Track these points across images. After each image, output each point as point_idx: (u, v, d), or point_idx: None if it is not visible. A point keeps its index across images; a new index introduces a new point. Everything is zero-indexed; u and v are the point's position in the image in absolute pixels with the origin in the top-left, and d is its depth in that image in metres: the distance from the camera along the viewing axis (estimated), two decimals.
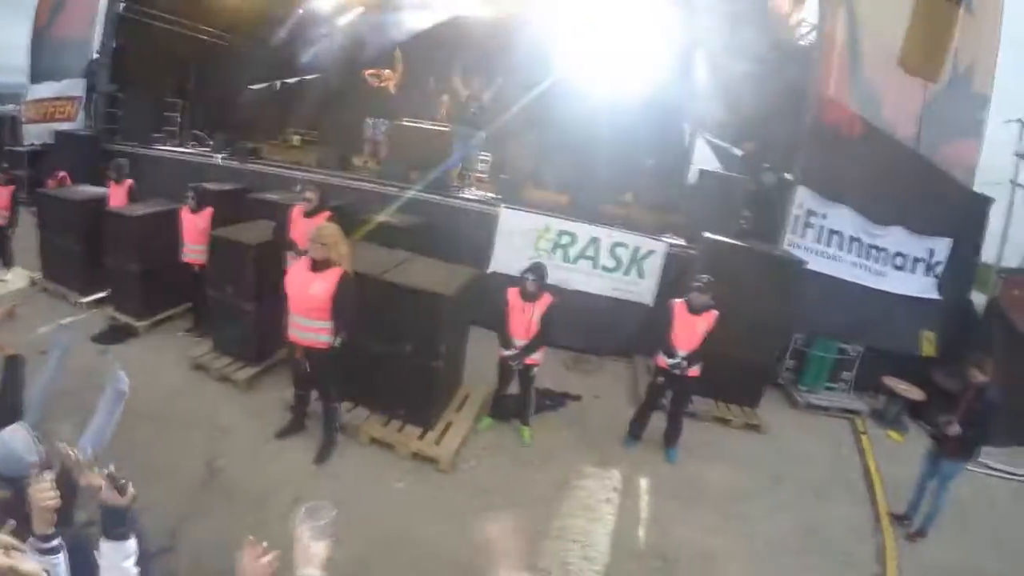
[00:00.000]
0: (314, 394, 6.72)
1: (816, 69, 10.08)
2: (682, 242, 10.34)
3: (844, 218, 10.31)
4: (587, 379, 9.48)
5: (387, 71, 14.32)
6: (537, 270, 7.06)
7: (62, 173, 11.48)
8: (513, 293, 7.10)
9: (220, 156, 12.87)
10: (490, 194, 11.93)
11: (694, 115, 14.67)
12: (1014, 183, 12.86)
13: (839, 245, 10.32)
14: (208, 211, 8.56)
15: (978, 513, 7.63)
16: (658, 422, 7.67)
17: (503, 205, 10.65)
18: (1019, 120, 12.78)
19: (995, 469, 8.65)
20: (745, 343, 8.35)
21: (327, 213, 7.91)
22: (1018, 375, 9.14)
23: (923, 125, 10.60)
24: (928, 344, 10.37)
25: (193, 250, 8.59)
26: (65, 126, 14.25)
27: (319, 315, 5.99)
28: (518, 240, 10.34)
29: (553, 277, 8.11)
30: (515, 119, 13.10)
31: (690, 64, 13.58)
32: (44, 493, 2.72)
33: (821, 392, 9.78)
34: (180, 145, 13.97)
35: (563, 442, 7.63)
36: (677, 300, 7.32)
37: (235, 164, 12.46)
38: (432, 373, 6.81)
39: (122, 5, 13.97)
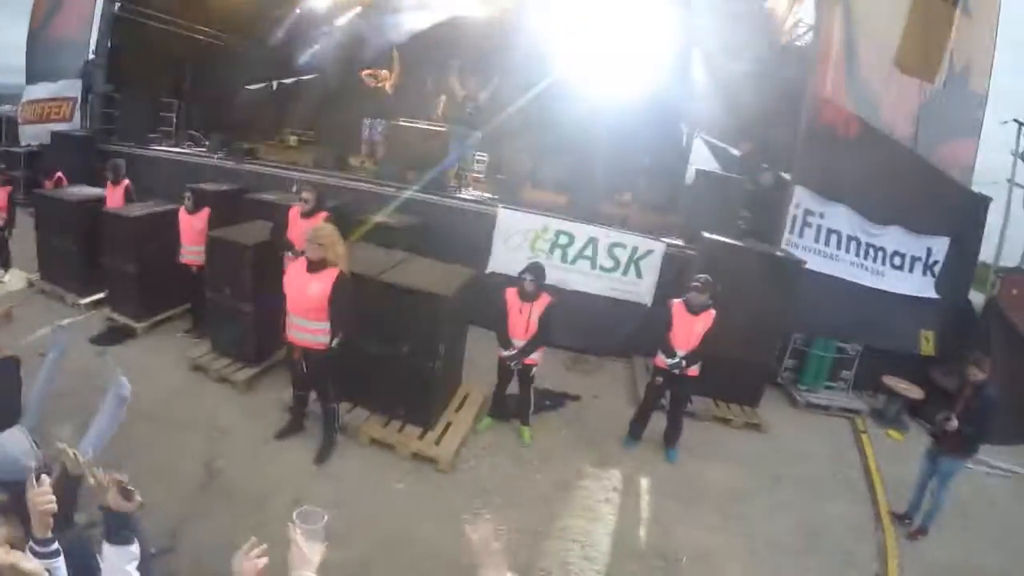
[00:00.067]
0: (313, 395, 6.69)
1: (813, 69, 10.08)
2: (680, 242, 10.33)
3: (842, 217, 10.32)
4: (586, 379, 9.48)
5: (384, 71, 14.30)
6: (535, 270, 7.05)
7: (59, 174, 11.45)
8: (511, 293, 7.10)
9: (217, 156, 12.85)
10: (488, 194, 11.94)
11: (692, 115, 14.69)
12: (1012, 182, 12.87)
13: (837, 244, 10.33)
14: (205, 212, 8.55)
15: (979, 511, 7.63)
16: (658, 422, 7.67)
17: (501, 205, 10.64)
18: (1016, 120, 12.79)
19: (995, 467, 8.66)
20: (744, 343, 8.36)
21: (324, 214, 7.90)
22: (1017, 374, 9.18)
23: (920, 125, 10.62)
24: (927, 343, 10.38)
25: (191, 251, 8.57)
26: (61, 127, 14.20)
27: (316, 316, 5.99)
28: (516, 240, 10.33)
29: (551, 277, 8.10)
30: (513, 119, 13.08)
31: (688, 64, 13.59)
32: (42, 497, 2.71)
33: (821, 391, 9.78)
34: (176, 145, 13.93)
35: (563, 442, 7.63)
36: (675, 300, 7.32)
37: (232, 164, 12.43)
38: (431, 373, 6.80)
39: (118, 5, 13.92)
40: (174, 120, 15.28)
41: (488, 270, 10.14)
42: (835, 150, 10.02)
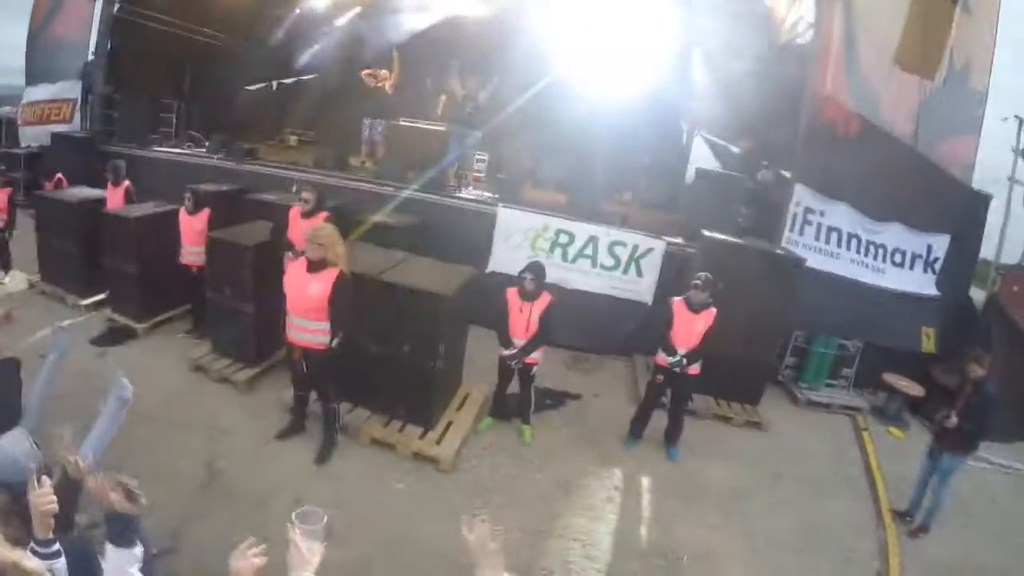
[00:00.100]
0: (314, 395, 6.69)
1: (813, 67, 10.07)
2: (680, 240, 10.32)
3: (842, 215, 10.33)
4: (587, 378, 9.47)
5: (384, 71, 14.30)
6: (535, 269, 7.05)
7: (59, 175, 11.46)
8: (512, 292, 7.09)
9: (217, 157, 12.85)
10: (488, 193, 11.94)
11: (692, 114, 14.69)
12: (1012, 180, 12.87)
13: (838, 242, 10.33)
14: (205, 212, 8.55)
15: (980, 508, 7.64)
16: (659, 420, 7.67)
17: (501, 204, 10.64)
18: (1017, 117, 12.79)
19: (996, 464, 8.66)
20: (745, 341, 8.38)
21: (325, 214, 7.90)
22: (1017, 371, 9.18)
23: (920, 122, 10.63)
24: (928, 340, 10.38)
25: (191, 252, 8.58)
26: (61, 128, 14.21)
27: (316, 316, 5.99)
28: (516, 239, 10.33)
29: (552, 276, 8.10)
30: (513, 118, 13.09)
31: (688, 63, 13.59)
32: (43, 498, 2.72)
33: (822, 389, 9.77)
34: (176, 146, 13.93)
35: (563, 441, 7.63)
36: (676, 298, 7.32)
37: (232, 165, 12.42)
38: (432, 373, 6.80)
39: (117, 6, 13.90)
40: (174, 121, 15.28)
41: (488, 269, 10.14)
42: (835, 148, 10.02)
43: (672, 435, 7.58)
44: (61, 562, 2.75)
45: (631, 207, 12.38)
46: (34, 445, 4.52)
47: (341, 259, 6.07)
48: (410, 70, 14.85)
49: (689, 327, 7.05)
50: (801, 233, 10.18)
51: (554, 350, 8.95)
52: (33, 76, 15.19)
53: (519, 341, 7.11)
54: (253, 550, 2.49)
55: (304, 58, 16.73)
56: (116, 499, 2.82)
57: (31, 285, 9.89)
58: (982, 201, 11.06)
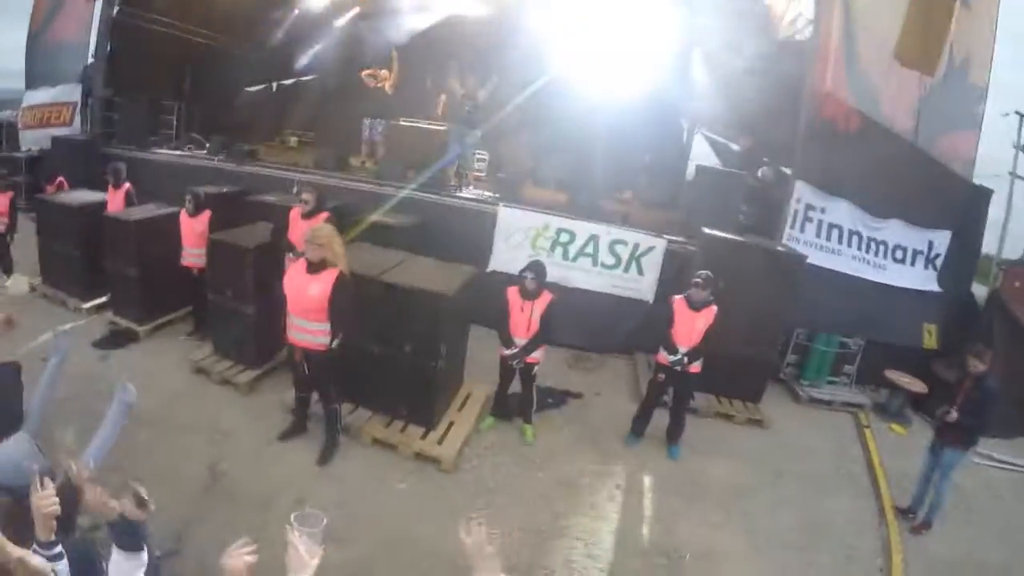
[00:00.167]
0: (315, 396, 6.70)
1: (813, 64, 10.06)
2: (681, 238, 10.31)
3: (843, 212, 10.32)
4: (588, 377, 9.47)
5: (384, 71, 14.27)
6: (536, 268, 7.04)
7: (60, 179, 11.47)
8: (513, 292, 7.10)
9: (217, 159, 12.85)
10: (488, 193, 11.93)
11: (692, 111, 14.69)
12: (1013, 175, 12.87)
13: (839, 239, 10.33)
14: (206, 214, 8.56)
15: (983, 505, 7.64)
16: (661, 419, 7.66)
17: (502, 204, 10.64)
18: (1017, 112, 12.78)
19: (1000, 461, 8.66)
20: (747, 338, 8.40)
21: (325, 214, 7.91)
22: (1019, 366, 9.19)
23: (920, 118, 10.62)
24: (929, 337, 10.37)
25: (192, 254, 8.60)
26: (62, 131, 14.21)
27: (317, 316, 5.99)
28: (517, 238, 10.33)
29: (553, 275, 8.10)
30: (513, 117, 13.10)
31: (687, 61, 13.59)
32: (45, 500, 2.73)
33: (823, 386, 9.76)
34: (177, 148, 13.92)
35: (565, 440, 7.64)
36: (677, 296, 7.32)
37: (232, 167, 12.42)
38: (433, 373, 6.81)
39: (116, 9, 13.90)
40: (174, 123, 15.25)
41: (489, 269, 10.13)
42: (835, 144, 10.02)
43: (674, 433, 7.58)
44: (63, 564, 2.76)
45: (632, 205, 12.38)
46: (37, 449, 4.54)
47: (340, 259, 6.06)
48: (410, 70, 14.81)
49: (690, 325, 7.05)
50: (802, 230, 10.18)
51: (555, 349, 8.96)
52: (33, 79, 15.20)
53: (520, 340, 7.11)
54: (245, 549, 2.51)
55: (304, 59, 16.72)
56: (126, 505, 2.84)
57: (33, 289, 9.89)
58: (983, 196, 11.04)
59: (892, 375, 9.58)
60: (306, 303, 5.95)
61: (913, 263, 10.65)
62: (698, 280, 7.02)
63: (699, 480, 7.14)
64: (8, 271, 10.18)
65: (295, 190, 9.41)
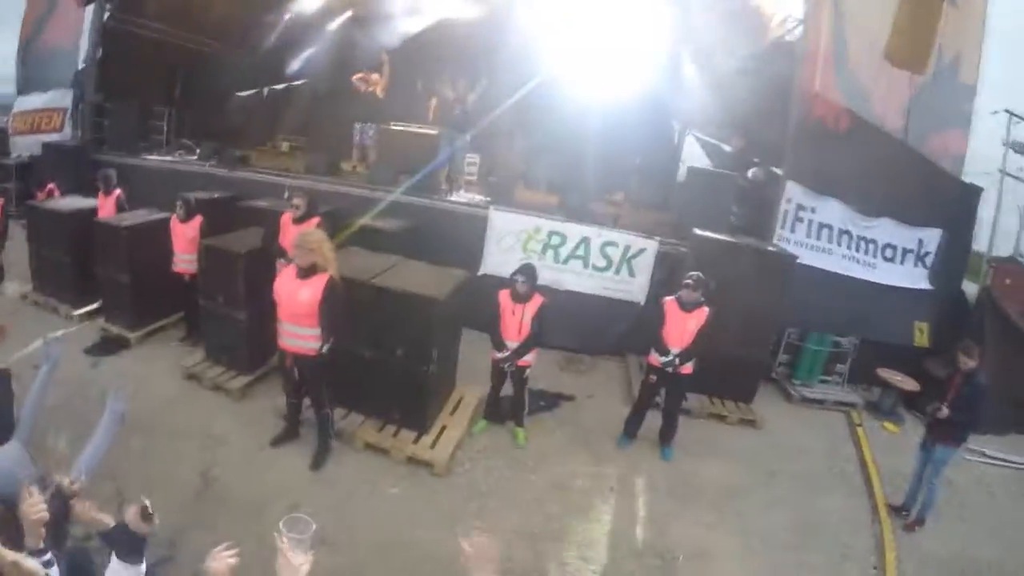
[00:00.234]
0: (307, 401, 6.69)
1: (802, 64, 10.09)
2: (672, 240, 10.32)
3: (834, 211, 10.34)
4: (580, 379, 9.48)
5: (375, 75, 14.23)
6: (527, 271, 7.06)
7: (51, 185, 11.43)
8: (504, 295, 7.11)
9: (208, 164, 12.83)
10: (480, 196, 11.93)
11: (683, 112, 14.70)
12: (1003, 172, 12.90)
13: (829, 238, 10.35)
14: (197, 220, 8.53)
15: (976, 501, 7.68)
16: (653, 420, 7.67)
17: (493, 207, 10.63)
18: (1007, 110, 12.82)
19: (992, 457, 8.69)
20: (739, 339, 8.41)
21: (316, 219, 7.90)
22: (1010, 363, 9.23)
23: (911, 117, 10.65)
24: (921, 335, 10.40)
25: (184, 259, 8.58)
26: (52, 137, 14.16)
27: (308, 322, 5.98)
28: (508, 242, 10.33)
29: (544, 278, 8.13)
30: (503, 120, 13.08)
31: (678, 62, 13.59)
32: (33, 508, 2.74)
33: (816, 385, 9.80)
34: (168, 154, 13.90)
35: (558, 443, 7.65)
36: (668, 298, 7.33)
37: (223, 172, 12.40)
38: (425, 377, 6.80)
39: (107, 14, 13.88)
40: (165, 128, 15.23)
41: (481, 272, 10.12)
42: (826, 144, 10.04)
43: (666, 435, 7.60)
44: (54, 571, 2.77)
45: (623, 207, 12.37)
46: (29, 457, 4.52)
47: (331, 264, 6.05)
48: (400, 74, 14.79)
49: (681, 327, 7.07)
50: (793, 230, 10.20)
51: (547, 352, 8.95)
52: (24, 85, 15.16)
53: (512, 343, 7.12)
54: (227, 552, 2.53)
55: (295, 64, 16.68)
56: (131, 517, 2.86)
57: (24, 296, 9.87)
58: (973, 194, 11.09)
59: (884, 373, 9.61)
60: (297, 308, 5.94)
61: (903, 261, 10.68)
62: (689, 281, 7.04)
63: (692, 481, 7.16)
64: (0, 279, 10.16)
65: (286, 195, 9.40)
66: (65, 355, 5.87)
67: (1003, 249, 12.68)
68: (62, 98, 14.49)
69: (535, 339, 7.13)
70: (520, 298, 7.00)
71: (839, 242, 10.39)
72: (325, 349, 6.08)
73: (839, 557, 6.32)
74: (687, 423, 8.02)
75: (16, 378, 5.41)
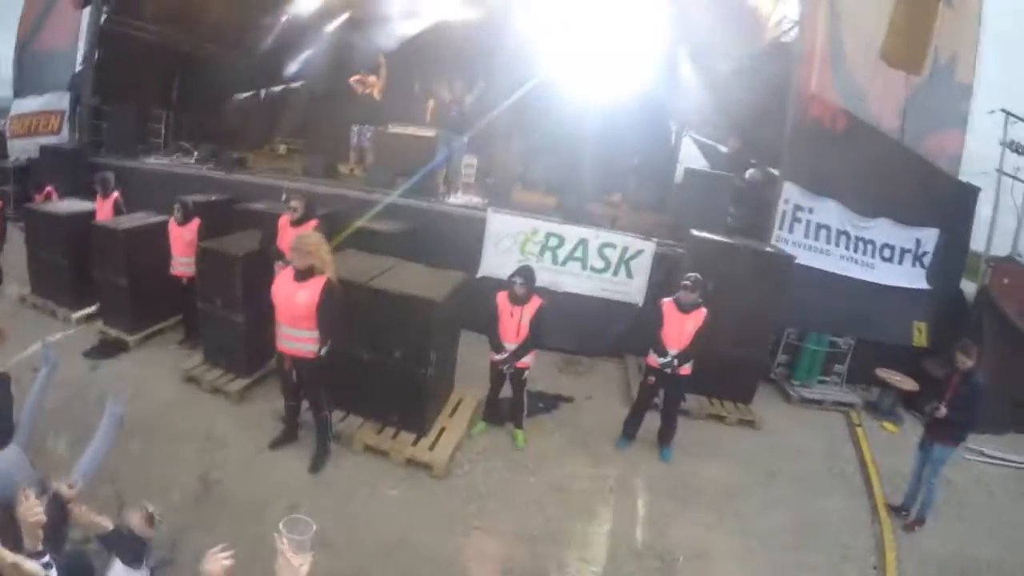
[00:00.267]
0: (306, 404, 6.68)
1: (799, 65, 10.11)
2: (670, 241, 10.33)
3: (831, 212, 10.36)
4: (579, 380, 9.48)
5: (372, 77, 14.23)
6: (525, 273, 7.05)
7: (48, 188, 11.42)
8: (502, 297, 7.11)
9: (206, 167, 12.82)
10: (478, 198, 11.94)
11: (680, 114, 14.72)
12: (1001, 171, 12.91)
13: (827, 239, 10.36)
14: (195, 223, 8.51)
15: (975, 501, 7.69)
16: (652, 421, 7.68)
17: (491, 209, 10.62)
18: (1003, 110, 12.84)
19: (991, 456, 8.70)
20: (737, 340, 8.40)
21: (314, 222, 7.88)
22: (1008, 362, 9.24)
23: (907, 117, 10.67)
24: (919, 334, 10.41)
25: (181, 262, 8.56)
26: (50, 140, 14.15)
27: (305, 324, 5.97)
28: (506, 244, 10.32)
29: (542, 280, 8.13)
30: (501, 122, 13.08)
31: (675, 63, 13.62)
32: (31, 510, 2.74)
33: (814, 386, 9.80)
34: (165, 157, 13.89)
35: (557, 444, 7.64)
36: (666, 299, 7.33)
37: (221, 175, 12.39)
38: (423, 379, 6.79)
39: (104, 17, 13.88)
40: (163, 131, 15.24)
41: (479, 274, 10.12)
42: (823, 145, 10.07)
43: (665, 436, 7.60)
44: (53, 574, 2.78)
45: (621, 208, 12.40)
46: (28, 461, 4.52)
47: (328, 267, 6.05)
48: (397, 75, 14.80)
49: (679, 328, 7.07)
50: (790, 231, 10.21)
51: (546, 353, 8.97)
52: (21, 88, 15.14)
53: (510, 345, 7.11)
54: (223, 553, 2.54)
55: (292, 66, 16.68)
56: (135, 521, 2.87)
57: (22, 299, 9.85)
58: (971, 194, 11.11)
59: (883, 373, 9.62)
60: (294, 311, 5.93)
61: (901, 261, 10.69)
62: (687, 282, 7.04)
63: (691, 482, 7.16)
64: None
65: (283, 198, 9.40)
66: (64, 358, 5.88)
67: (1001, 248, 12.69)
68: (59, 101, 14.47)
69: (533, 341, 7.13)
70: (518, 300, 7.00)
71: (837, 243, 10.40)
72: (323, 351, 6.07)
73: (839, 557, 6.32)
74: (686, 424, 8.02)
75: (15, 382, 5.39)
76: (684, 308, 7.07)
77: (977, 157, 11.96)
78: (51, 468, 3.61)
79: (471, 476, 6.75)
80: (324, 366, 6.18)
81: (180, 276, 8.63)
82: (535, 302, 7.05)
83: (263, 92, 17.82)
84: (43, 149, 13.48)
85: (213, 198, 10.70)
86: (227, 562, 2.58)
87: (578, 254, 10.23)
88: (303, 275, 5.92)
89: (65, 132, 14.35)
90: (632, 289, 10.24)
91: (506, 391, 7.54)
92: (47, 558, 2.78)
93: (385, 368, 6.81)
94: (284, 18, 16.19)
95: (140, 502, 2.97)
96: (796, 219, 10.21)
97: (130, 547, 2.91)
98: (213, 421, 7.16)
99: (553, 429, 7.98)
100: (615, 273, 10.23)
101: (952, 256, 10.99)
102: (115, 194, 9.85)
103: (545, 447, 7.50)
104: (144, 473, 5.87)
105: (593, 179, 12.38)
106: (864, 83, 10.42)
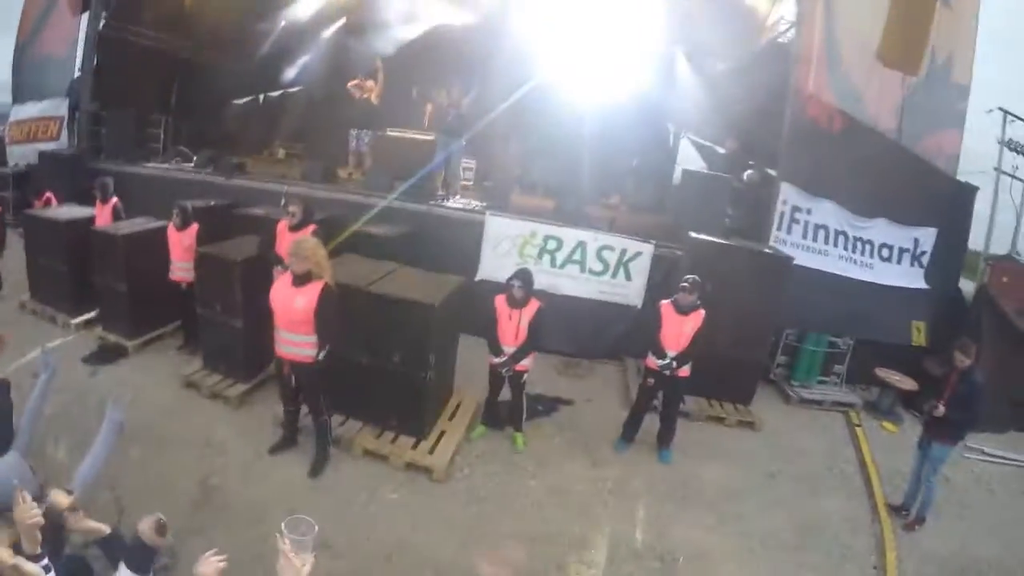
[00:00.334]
0: (305, 409, 6.68)
1: (796, 65, 10.12)
2: (668, 243, 10.33)
3: (828, 212, 10.38)
4: (578, 383, 9.49)
5: (370, 82, 14.24)
6: (523, 276, 7.04)
7: (48, 194, 11.42)
8: (501, 300, 7.10)
9: (205, 172, 12.82)
10: (476, 202, 11.93)
11: (678, 115, 14.73)
12: (999, 170, 12.93)
13: (825, 239, 10.38)
14: (194, 228, 8.52)
15: (975, 499, 7.70)
16: (652, 423, 7.68)
17: (489, 212, 10.63)
18: (1001, 109, 12.86)
19: (991, 455, 8.70)
20: (736, 341, 8.43)
21: (313, 226, 7.90)
22: (1007, 360, 9.24)
23: (904, 117, 10.69)
24: (918, 334, 10.42)
25: (180, 268, 8.56)
26: (49, 146, 14.14)
27: (303, 329, 5.98)
28: (505, 247, 10.32)
29: (541, 283, 8.14)
30: (499, 125, 13.08)
31: (672, 65, 13.63)
32: (28, 513, 2.75)
33: (814, 386, 9.81)
34: (164, 162, 13.89)
35: (556, 447, 7.64)
36: (664, 301, 7.34)
37: (220, 180, 12.39)
38: (423, 383, 6.80)
39: (103, 23, 13.88)
40: (162, 136, 15.22)
41: (478, 278, 10.12)
42: (820, 145, 10.10)
43: (665, 437, 7.60)
44: None
45: (619, 210, 12.42)
46: (28, 467, 4.53)
47: (326, 271, 6.06)
48: (395, 80, 14.79)
49: (678, 330, 7.08)
50: (789, 232, 10.23)
51: (545, 356, 8.98)
52: (20, 94, 15.15)
53: (509, 348, 7.11)
54: (216, 557, 2.56)
55: (291, 71, 16.70)
56: (146, 531, 2.89)
57: (22, 305, 9.85)
58: (968, 193, 11.11)
59: (882, 373, 9.63)
60: (292, 316, 5.93)
61: (899, 261, 10.71)
62: (685, 284, 7.05)
63: (691, 483, 7.16)
64: None
65: (282, 203, 9.40)
66: (63, 364, 5.89)
67: (1000, 247, 12.71)
68: (58, 107, 14.48)
69: (532, 344, 7.13)
70: (517, 303, 7.00)
71: (835, 243, 10.42)
72: (321, 356, 6.07)
73: (839, 557, 6.32)
74: (685, 426, 8.03)
75: (15, 388, 5.40)
76: (682, 310, 7.08)
77: (975, 156, 12.00)
78: (51, 474, 3.60)
79: (471, 479, 6.75)
80: (323, 370, 6.18)
81: (179, 281, 8.63)
82: (533, 305, 7.05)
83: (262, 97, 17.82)
84: (42, 155, 13.46)
85: (212, 203, 10.70)
86: (221, 565, 2.60)
87: (576, 257, 10.23)
88: (301, 280, 5.93)
89: (64, 138, 14.35)
90: (631, 291, 10.24)
91: (505, 394, 7.53)
92: (46, 561, 2.79)
93: (384, 372, 6.81)
94: (282, 23, 16.21)
95: (134, 506, 2.99)
96: (794, 220, 10.23)
97: (138, 555, 2.93)
98: (212, 426, 7.15)
99: (552, 432, 7.98)
100: (614, 275, 10.23)
101: (950, 255, 11.00)
102: (114, 200, 9.86)
103: (545, 450, 7.50)
104: (144, 479, 5.87)
105: (591, 181, 12.40)
106: (860, 84, 10.44)
